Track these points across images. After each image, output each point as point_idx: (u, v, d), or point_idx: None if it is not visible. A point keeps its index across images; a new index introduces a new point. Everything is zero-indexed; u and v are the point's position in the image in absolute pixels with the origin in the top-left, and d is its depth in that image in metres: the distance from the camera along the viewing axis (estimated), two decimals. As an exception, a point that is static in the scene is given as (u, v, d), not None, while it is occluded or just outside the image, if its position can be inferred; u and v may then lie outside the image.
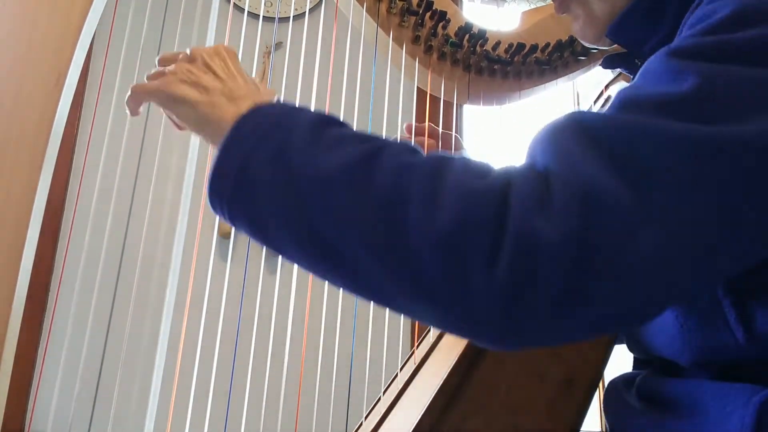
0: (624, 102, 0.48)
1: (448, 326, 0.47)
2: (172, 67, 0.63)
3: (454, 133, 0.99)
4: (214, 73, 0.62)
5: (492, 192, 0.44)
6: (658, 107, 0.46)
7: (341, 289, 0.50)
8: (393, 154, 0.49)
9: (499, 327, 0.43)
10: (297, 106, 0.56)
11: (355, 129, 0.54)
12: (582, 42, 0.77)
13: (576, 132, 0.46)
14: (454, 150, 1.00)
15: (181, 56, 0.64)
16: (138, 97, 0.64)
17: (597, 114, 0.47)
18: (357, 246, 0.46)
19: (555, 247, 0.41)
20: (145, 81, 0.65)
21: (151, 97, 0.63)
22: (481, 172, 0.47)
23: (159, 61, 0.66)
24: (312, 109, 0.55)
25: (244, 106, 0.57)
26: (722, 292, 0.53)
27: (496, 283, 0.42)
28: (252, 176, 0.51)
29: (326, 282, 0.52)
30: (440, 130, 1.01)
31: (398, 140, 0.52)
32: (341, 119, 0.55)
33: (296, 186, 0.49)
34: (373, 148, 0.49)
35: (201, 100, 0.59)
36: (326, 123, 0.53)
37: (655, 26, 0.68)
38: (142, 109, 0.66)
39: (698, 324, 0.56)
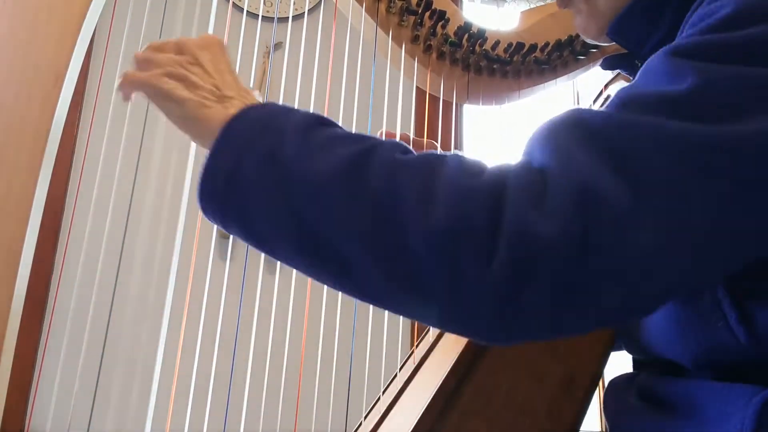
0: (623, 100, 0.48)
1: (446, 324, 0.47)
2: (160, 57, 0.61)
3: (429, 140, 0.96)
4: (203, 68, 0.60)
5: (487, 189, 0.44)
6: (657, 106, 0.46)
7: (339, 291, 0.50)
8: (385, 153, 0.49)
9: (497, 323, 0.43)
10: (286, 106, 0.56)
11: (345, 129, 0.54)
12: (584, 38, 0.77)
13: (574, 129, 0.46)
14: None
15: (169, 45, 0.62)
16: (128, 86, 0.62)
17: (596, 111, 0.47)
18: (352, 246, 0.46)
19: (553, 244, 0.41)
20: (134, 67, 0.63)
21: (140, 89, 0.61)
22: (475, 169, 0.47)
23: (148, 49, 0.63)
24: (301, 110, 0.55)
25: (233, 108, 0.56)
26: (723, 292, 0.53)
27: (492, 280, 0.42)
28: (243, 179, 0.50)
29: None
30: (412, 138, 0.98)
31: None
32: (331, 119, 0.55)
33: (289, 188, 0.49)
34: (364, 148, 0.49)
35: (188, 98, 0.58)
36: (316, 124, 0.53)
37: (654, 26, 0.68)
38: (144, 107, 0.66)
39: (698, 325, 0.56)
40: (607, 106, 0.49)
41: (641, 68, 0.52)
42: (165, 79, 0.59)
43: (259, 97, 0.61)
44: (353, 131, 0.54)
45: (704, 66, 0.47)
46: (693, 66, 0.47)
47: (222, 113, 0.55)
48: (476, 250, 0.42)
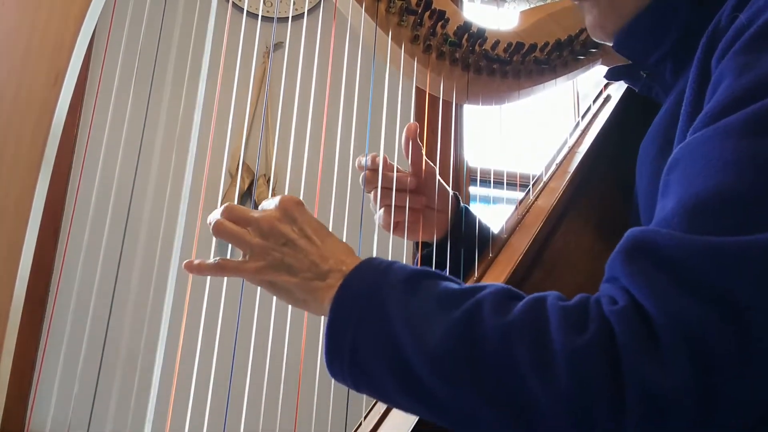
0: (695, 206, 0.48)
1: None
2: (254, 243, 0.64)
3: (425, 160, 0.93)
4: (293, 244, 0.63)
5: (598, 344, 0.45)
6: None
7: None
8: (492, 317, 0.50)
9: None
10: (382, 264, 0.59)
11: (445, 281, 0.57)
12: (593, 38, 0.76)
13: (653, 261, 0.46)
14: (426, 174, 0.93)
15: (252, 225, 0.65)
16: (220, 273, 0.66)
17: (665, 234, 0.47)
18: (484, 411, 0.49)
19: (678, 400, 0.42)
20: (217, 221, 0.66)
21: (238, 276, 0.66)
22: (578, 322, 0.47)
23: (225, 212, 0.67)
24: (398, 269, 0.58)
25: (334, 281, 0.60)
26: None
27: None
28: (364, 358, 0.55)
29: None
30: (393, 165, 0.94)
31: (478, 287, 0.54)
32: (428, 270, 0.59)
33: (407, 362, 0.52)
34: (470, 310, 0.51)
35: (293, 283, 0.62)
36: (417, 283, 0.56)
37: (660, 39, 0.68)
38: (144, 107, 0.66)
39: None
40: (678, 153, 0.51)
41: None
42: (265, 270, 0.63)
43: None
44: (353, 133, 0.55)
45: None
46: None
47: (327, 293, 0.60)
48: (606, 410, 0.44)
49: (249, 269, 0.64)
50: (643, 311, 0.45)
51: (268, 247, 0.63)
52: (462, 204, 0.98)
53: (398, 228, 0.94)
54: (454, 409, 0.51)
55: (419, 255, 0.98)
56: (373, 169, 0.91)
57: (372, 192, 0.93)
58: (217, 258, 0.67)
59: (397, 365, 0.52)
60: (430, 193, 0.94)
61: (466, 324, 0.51)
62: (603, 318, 0.47)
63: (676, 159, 0.52)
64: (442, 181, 0.95)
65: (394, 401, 0.56)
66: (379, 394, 0.57)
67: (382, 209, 0.93)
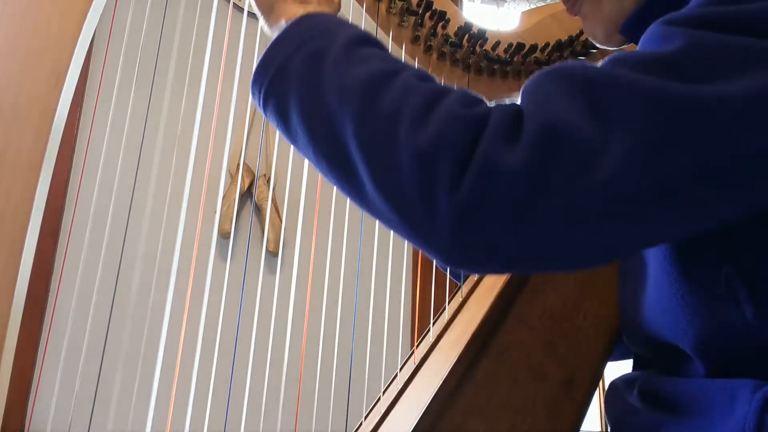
0: (611, 59, 0.51)
1: (412, 237, 0.51)
2: None
3: None
4: None
5: (473, 119, 0.48)
6: (642, 64, 0.48)
7: (345, 196, 0.55)
8: (407, 77, 0.54)
9: (453, 241, 0.47)
10: (345, 21, 0.63)
11: (388, 52, 0.60)
12: (593, 42, 0.77)
13: (556, 77, 0.49)
14: None
15: None
16: None
17: (584, 64, 0.50)
18: (358, 153, 0.51)
19: (512, 173, 0.44)
20: None
21: None
22: (473, 102, 0.51)
23: None
24: (357, 27, 0.62)
25: (304, 9, 0.64)
26: (732, 269, 0.53)
27: (455, 201, 0.46)
28: (288, 72, 0.58)
29: (326, 274, 0.54)
30: None
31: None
32: (380, 41, 0.62)
33: (320, 87, 0.55)
34: (393, 69, 0.54)
35: None
36: (363, 41, 0.59)
37: None
38: (144, 107, 0.67)
39: (703, 301, 0.55)
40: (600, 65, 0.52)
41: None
42: None
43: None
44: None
45: (693, 32, 0.49)
46: (683, 32, 0.49)
47: (293, 11, 0.64)
48: (448, 172, 0.46)
49: None
50: (524, 109, 0.49)
51: None
52: None
53: None
54: (337, 148, 0.53)
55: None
56: None
57: None
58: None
59: (312, 87, 0.55)
60: None
61: (386, 74, 0.54)
62: (488, 108, 0.50)
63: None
64: None
65: (289, 123, 0.58)
66: (281, 113, 0.59)
67: None
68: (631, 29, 0.71)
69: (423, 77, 0.55)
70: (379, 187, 0.50)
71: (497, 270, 0.51)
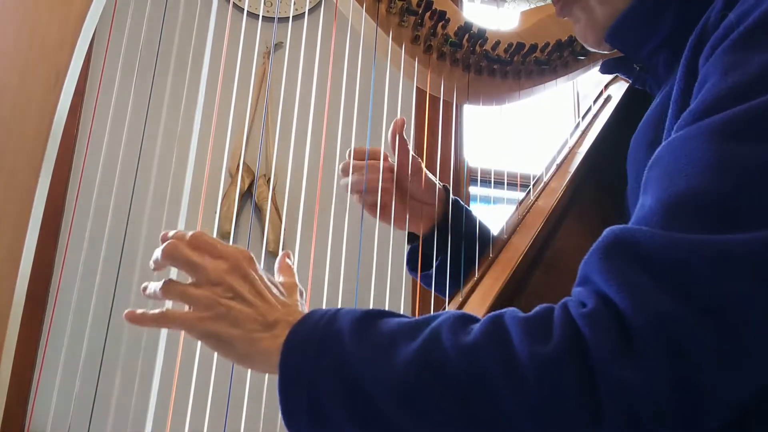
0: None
1: None
2: (197, 295, 0.60)
3: (411, 154, 0.92)
4: (242, 298, 0.59)
5: (566, 352, 0.44)
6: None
7: None
8: (451, 338, 0.49)
9: None
10: (330, 311, 0.57)
11: (394, 317, 0.54)
12: (584, 45, 0.77)
13: (632, 258, 0.45)
14: (412, 172, 0.92)
15: (198, 272, 0.62)
16: (167, 325, 0.63)
17: (645, 231, 0.46)
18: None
19: (654, 398, 0.42)
20: (159, 253, 0.64)
21: (180, 328, 0.61)
22: (541, 332, 0.46)
23: (167, 255, 0.65)
24: (346, 312, 0.55)
25: (281, 332, 0.56)
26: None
27: None
28: (325, 411, 0.51)
29: (326, 274, 0.52)
30: (382, 157, 0.94)
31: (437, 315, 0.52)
32: (378, 310, 0.55)
33: (373, 405, 0.49)
34: (428, 339, 0.49)
35: (236, 336, 0.58)
36: (367, 323, 0.53)
37: (652, 30, 0.68)
38: (144, 106, 0.66)
39: None
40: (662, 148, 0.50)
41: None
42: (206, 322, 0.59)
43: (301, 304, 0.62)
44: (354, 133, 0.54)
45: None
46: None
47: (274, 345, 0.56)
48: (583, 414, 0.43)
49: (192, 318, 0.60)
50: (617, 311, 0.44)
51: (211, 298, 0.59)
52: (452, 196, 0.98)
53: (385, 213, 0.94)
54: None
55: (423, 248, 0.97)
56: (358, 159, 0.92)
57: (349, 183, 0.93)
58: (163, 308, 0.63)
59: (361, 408, 0.49)
60: (417, 187, 0.94)
61: (426, 352, 0.49)
62: (569, 322, 0.46)
63: (658, 156, 0.52)
64: (429, 174, 0.95)
65: None
66: None
67: (355, 195, 0.93)
68: (615, 36, 0.71)
69: (460, 322, 0.50)
70: None
71: None
